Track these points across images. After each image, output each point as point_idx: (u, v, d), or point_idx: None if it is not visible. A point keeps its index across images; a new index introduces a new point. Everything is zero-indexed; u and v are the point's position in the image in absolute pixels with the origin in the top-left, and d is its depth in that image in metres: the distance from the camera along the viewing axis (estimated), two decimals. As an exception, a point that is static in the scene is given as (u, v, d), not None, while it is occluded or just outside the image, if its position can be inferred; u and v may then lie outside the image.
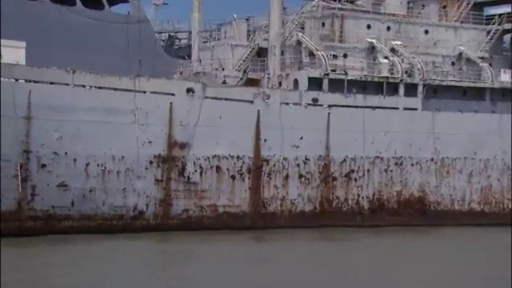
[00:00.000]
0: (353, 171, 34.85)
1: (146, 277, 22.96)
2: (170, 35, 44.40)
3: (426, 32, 39.45)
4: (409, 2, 40.76)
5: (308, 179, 33.98)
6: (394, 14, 39.12)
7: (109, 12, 36.75)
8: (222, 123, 31.93)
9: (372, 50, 37.46)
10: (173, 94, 31.23)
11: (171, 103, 31.05)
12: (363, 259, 26.76)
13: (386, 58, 36.86)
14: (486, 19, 41.56)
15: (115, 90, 30.16)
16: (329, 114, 34.21)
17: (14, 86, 28.23)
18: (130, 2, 35.79)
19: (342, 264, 25.63)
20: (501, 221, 36.63)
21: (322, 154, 34.20)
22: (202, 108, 31.58)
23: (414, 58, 37.24)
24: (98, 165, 29.77)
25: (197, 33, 39.56)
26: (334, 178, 34.49)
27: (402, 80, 36.35)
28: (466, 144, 36.76)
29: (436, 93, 37.45)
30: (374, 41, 37.47)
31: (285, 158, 33.42)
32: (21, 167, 28.52)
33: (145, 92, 30.69)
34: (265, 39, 36.68)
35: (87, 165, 29.63)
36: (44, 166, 28.94)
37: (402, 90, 36.29)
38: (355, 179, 34.90)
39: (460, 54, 39.46)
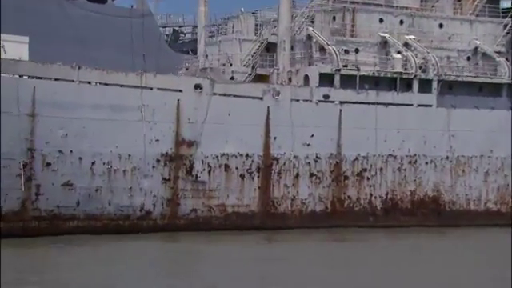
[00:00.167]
0: (365, 170, 35.36)
1: (157, 278, 23.44)
2: (174, 29, 44.88)
3: (441, 26, 39.90)
4: (422, -5, 41.42)
5: (319, 178, 34.50)
6: (407, 8, 39.55)
7: (111, 5, 37.31)
8: (230, 120, 32.48)
9: (384, 44, 37.92)
10: (180, 91, 31.77)
11: (179, 100, 31.60)
12: (376, 260, 27.18)
13: (399, 52, 37.34)
14: (503, 12, 41.91)
15: (121, 86, 30.68)
16: (340, 110, 34.73)
17: (17, 82, 28.76)
18: (133, -5, 36.28)
19: (355, 265, 26.07)
20: (518, 221, 37.18)
21: (333, 152, 34.73)
22: (211, 105, 32.12)
23: (428, 52, 37.72)
24: (103, 163, 30.33)
25: (203, 27, 40.06)
26: (346, 177, 35.01)
27: (415, 76, 36.86)
28: (482, 142, 37.22)
29: (451, 89, 37.89)
30: (387, 35, 37.93)
31: (295, 157, 33.97)
32: (25, 166, 29.09)
33: (151, 88, 31.24)
34: (273, 34, 37.13)
35: (93, 163, 30.20)
36: (49, 164, 29.50)
37: (415, 86, 36.78)
38: (368, 178, 35.42)
39: (476, 48, 39.89)
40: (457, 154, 36.96)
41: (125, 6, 38.35)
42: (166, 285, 22.66)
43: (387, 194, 35.80)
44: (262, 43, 36.93)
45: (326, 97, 34.68)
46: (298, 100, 34.08)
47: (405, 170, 36.11)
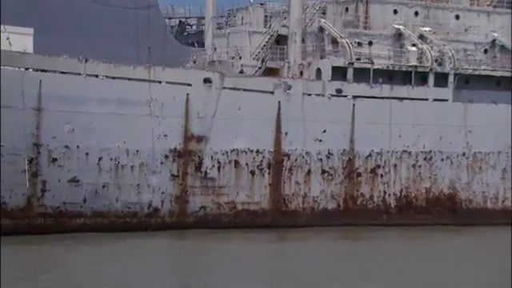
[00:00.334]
0: (379, 166, 35.91)
1: (168, 276, 24.01)
2: (180, 21, 45.39)
3: (457, 17, 40.40)
4: (438, -14, 41.83)
5: (331, 175, 35.08)
6: (422, -2, 40.21)
7: (116, -4, 37.91)
8: (240, 115, 33.06)
9: (399, 36, 38.43)
10: (189, 85, 32.34)
11: (188, 94, 32.18)
12: (389, 260, 27.60)
13: (414, 45, 37.83)
14: (521, 3, 42.48)
15: (129, 79, 31.27)
16: (353, 105, 35.27)
17: (23, 75, 29.35)
18: (138, -14, 36.74)
19: (367, 265, 26.50)
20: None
21: (346, 148, 35.28)
22: (220, 99, 32.69)
23: (444, 45, 38.22)
24: (111, 159, 30.94)
25: (210, 18, 40.52)
26: (359, 174, 35.58)
27: (431, 69, 37.36)
28: (500, 137, 37.73)
29: (468, 83, 38.39)
30: (401, 27, 38.42)
31: (307, 153, 34.53)
32: (30, 161, 29.73)
33: (160, 82, 31.82)
34: (283, 26, 37.62)
35: (100, 159, 30.81)
36: (55, 160, 30.13)
37: (431, 79, 37.29)
38: (381, 175, 35.98)
39: (493, 40, 40.37)
40: (473, 150, 37.48)
41: (130, -3, 38.93)
42: (178, 283, 23.22)
43: (401, 191, 36.35)
44: (272, 35, 37.38)
45: (339, 91, 35.23)
46: (309, 94, 34.65)
47: (420, 166, 36.66)
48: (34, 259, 26.00)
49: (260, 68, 36.65)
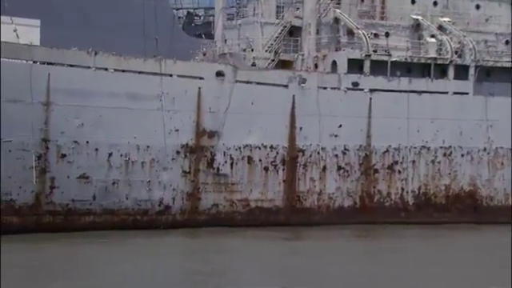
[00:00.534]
0: (396, 163, 36.64)
1: (182, 277, 24.78)
2: (188, 12, 46.28)
3: (477, 7, 40.95)
4: (457, -26, 42.46)
5: (347, 171, 35.83)
6: (441, -13, 40.83)
7: (123, -14, 38.79)
8: (254, 110, 33.79)
9: (417, 27, 39.05)
10: (201, 78, 33.10)
11: (200, 88, 32.96)
12: (407, 259, 28.26)
13: (432, 36, 38.45)
14: (545, -8, 43.05)
15: (139, 73, 32.05)
16: (370, 99, 35.98)
17: (31, 68, 30.15)
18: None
19: (383, 265, 27.11)
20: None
21: (362, 143, 36.02)
22: (233, 93, 33.45)
23: (464, 36, 38.84)
24: (121, 155, 31.73)
25: (220, 9, 41.23)
26: (376, 170, 36.32)
27: (451, 61, 38.02)
28: (523, 132, 38.41)
29: (489, 75, 39.01)
30: (420, 17, 39.02)
31: (322, 148, 35.27)
32: (39, 157, 30.56)
33: (171, 75, 32.58)
34: (296, 16, 38.31)
35: (110, 155, 31.61)
36: (64, 156, 30.96)
37: (451, 72, 37.95)
38: (399, 171, 36.70)
39: (515, 31, 41.14)
40: (495, 145, 38.10)
41: (137, -13, 39.74)
42: (192, 283, 23.98)
43: (420, 188, 37.08)
44: (285, 27, 38.02)
45: (355, 84, 35.95)
46: (325, 88, 35.38)
47: (439, 162, 37.36)
48: (43, 258, 26.85)
49: (273, 61, 37.36)
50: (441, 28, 39.26)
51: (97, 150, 31.41)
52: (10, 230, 29.75)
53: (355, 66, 36.61)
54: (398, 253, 29.84)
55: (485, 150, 38.14)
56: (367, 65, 36.64)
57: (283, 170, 34.67)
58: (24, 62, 30.16)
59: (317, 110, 34.96)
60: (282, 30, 37.93)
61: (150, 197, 32.37)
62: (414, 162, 36.94)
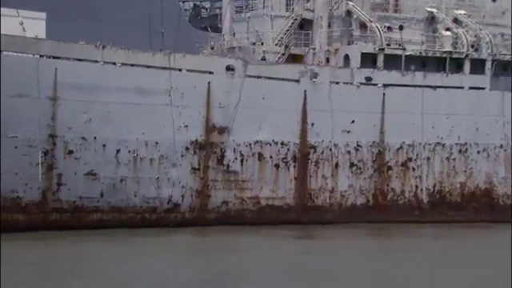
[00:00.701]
0: (410, 159, 37.40)
1: (193, 276, 25.52)
2: (195, 4, 46.99)
3: (494, -1, 41.90)
4: (473, -35, 43.12)
5: (360, 168, 36.61)
6: (456, -21, 41.49)
7: (128, -22, 39.56)
8: (264, 105, 34.55)
9: (432, 20, 39.74)
10: (211, 73, 33.89)
11: (209, 83, 33.75)
12: (421, 259, 28.71)
13: (448, 29, 39.16)
14: None
15: (148, 67, 32.84)
16: (384, 94, 36.73)
17: (38, 62, 30.93)
18: (150, -33, 38.22)
19: (399, 264, 27.68)
20: None
21: (375, 139, 36.78)
22: (243, 88, 34.24)
23: (480, 29, 39.55)
24: (129, 151, 32.54)
25: (228, 2, 41.95)
26: (390, 168, 37.10)
27: (467, 55, 38.77)
28: (541, 128, 39.04)
29: (506, 70, 39.66)
30: (434, 10, 39.72)
31: (334, 145, 36.04)
32: (46, 153, 31.38)
33: (180, 70, 33.36)
34: (307, 9, 38.98)
35: (118, 151, 32.42)
36: (71, 152, 31.77)
37: (467, 66, 38.70)
38: (413, 169, 37.47)
39: (533, 24, 41.81)
40: (512, 142, 38.89)
41: (142, -21, 40.51)
42: (205, 282, 24.75)
43: (434, 186, 37.85)
44: (296, 20, 38.71)
45: (369, 79, 36.70)
46: (337, 83, 36.14)
47: (454, 159, 38.12)
48: (52, 256, 27.63)
49: (283, 55, 38.10)
50: (456, 21, 39.99)
51: (104, 146, 32.22)
52: (17, 227, 30.59)
53: (368, 60, 37.36)
54: (411, 252, 30.44)
55: (501, 146, 38.84)
56: (381, 59, 37.39)
57: (294, 166, 35.46)
58: (31, 55, 30.91)
59: (329, 105, 35.73)
60: (292, 23, 38.62)
61: (159, 194, 33.20)
62: (428, 158, 37.70)
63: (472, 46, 39.04)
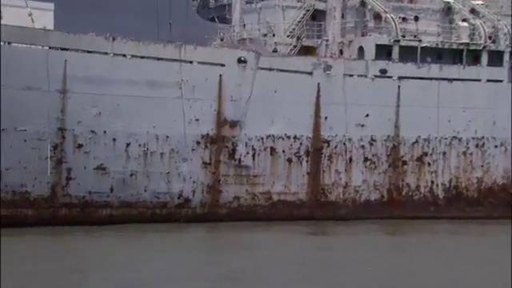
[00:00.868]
0: (426, 154, 38.32)
1: (207, 274, 26.45)
2: (203, -6, 47.78)
3: (512, -11, 42.62)
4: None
5: (374, 163, 37.54)
6: (473, -32, 42.33)
7: (135, -33, 40.52)
8: (277, 98, 35.49)
9: (448, 11, 40.56)
10: (222, 65, 34.81)
11: (221, 75, 34.71)
12: (435, 256, 29.40)
13: (464, 20, 40.00)
14: None
15: (158, 59, 33.78)
16: (399, 87, 37.64)
17: (47, 54, 31.88)
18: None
19: (411, 262, 28.36)
20: None
21: (390, 133, 37.69)
22: (256, 81, 35.20)
23: (498, 20, 40.31)
24: (139, 145, 33.53)
25: (238, -8, 42.87)
26: (405, 162, 38.01)
27: (484, 47, 39.60)
28: (561, 122, 39.80)
29: (524, 62, 40.63)
30: (451, 0, 40.45)
31: (348, 139, 36.95)
32: (55, 147, 32.39)
33: (191, 62, 34.31)
34: (320, -1, 40.00)
35: (128, 145, 33.41)
36: (80, 146, 32.75)
37: (484, 58, 39.53)
38: (428, 163, 38.38)
39: (552, 14, 42.59)
40: (531, 136, 39.64)
41: (149, -32, 41.42)
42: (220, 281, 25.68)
43: (451, 181, 38.77)
44: (308, 11, 39.56)
45: (383, 71, 37.56)
46: (351, 75, 37.02)
47: (471, 154, 39.00)
48: (62, 252, 28.59)
49: (295, 46, 38.99)
50: (473, 11, 40.80)
51: (114, 140, 33.19)
52: (25, 222, 31.63)
53: (383, 52, 38.25)
54: (427, 249, 31.24)
55: (519, 141, 39.79)
56: (396, 51, 38.30)
57: (307, 161, 36.41)
58: (40, 47, 31.87)
59: (343, 98, 36.64)
60: (304, 14, 39.47)
61: (169, 189, 34.17)
62: (444, 153, 38.61)
63: (489, 38, 39.81)
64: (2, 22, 31.44)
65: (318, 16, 39.81)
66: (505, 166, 39.58)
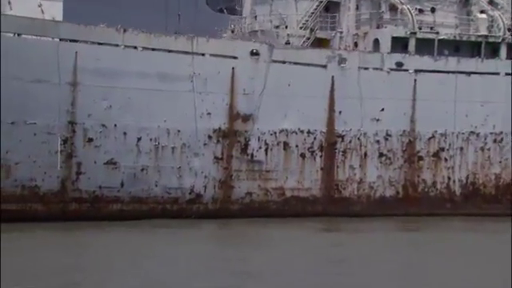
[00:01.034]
0: (442, 149, 39.33)
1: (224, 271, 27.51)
2: (213, -16, 48.80)
3: (532, -20, 43.55)
4: None
5: (390, 159, 38.55)
6: (492, -42, 43.22)
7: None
8: (290, 92, 36.54)
9: (466, 2, 41.47)
10: (235, 58, 35.86)
11: (233, 68, 35.79)
12: (451, 255, 30.06)
13: (483, 12, 40.97)
14: None
15: (169, 52, 34.84)
16: (415, 80, 38.62)
17: (58, 46, 32.95)
18: None
19: (425, 260, 28.90)
20: None
21: (406, 128, 38.70)
22: (269, 74, 36.25)
23: (517, 12, 41.42)
24: (150, 139, 34.60)
25: (249, -18, 43.82)
26: (421, 158, 39.01)
27: (503, 39, 40.56)
28: None
29: (544, 55, 41.48)
30: (469, -9, 41.51)
31: (363, 134, 38.00)
32: (65, 141, 33.50)
33: (203, 55, 35.38)
34: (333, -10, 40.94)
35: (139, 139, 34.49)
36: (91, 140, 33.85)
37: (503, 51, 40.49)
38: (445, 159, 39.40)
39: None
40: (550, 131, 40.53)
41: (157, -43, 42.46)
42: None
43: (468, 177, 39.76)
44: (322, 2, 40.26)
45: (399, 64, 38.52)
46: (366, 68, 37.98)
47: (489, 149, 39.96)
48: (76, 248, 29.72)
49: (308, 39, 39.88)
50: (492, 3, 41.67)
51: (125, 134, 34.27)
52: (35, 217, 32.75)
53: (399, 44, 39.25)
54: (443, 247, 31.94)
55: (539, 136, 40.73)
56: (412, 43, 39.30)
57: (321, 156, 37.45)
58: (50, 39, 32.96)
59: (357, 92, 37.68)
60: (317, 6, 40.27)
61: (181, 184, 35.25)
62: (461, 148, 39.62)
63: (509, 30, 40.76)
64: (12, 13, 32.56)
65: (331, 7, 40.66)
66: (524, 162, 40.66)
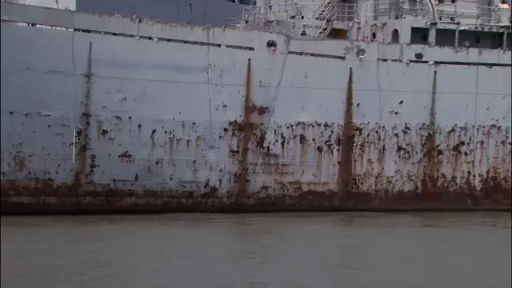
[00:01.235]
0: (463, 143, 40.67)
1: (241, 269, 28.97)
2: (225, -27, 50.37)
3: (555, -31, 44.92)
4: None
5: (408, 153, 39.92)
6: None
7: None
8: (307, 84, 37.96)
9: (487, -8, 42.93)
10: (251, 49, 37.33)
11: (249, 59, 37.26)
12: (472, 252, 31.25)
13: (504, 2, 42.13)
14: None
15: (185, 42, 36.34)
16: (435, 72, 39.94)
17: (73, 36, 34.47)
18: None
19: (445, 257, 29.96)
20: None
21: (425, 121, 40.04)
22: (286, 65, 37.73)
23: (540, 2, 42.84)
24: (165, 132, 36.11)
25: (263, -29, 45.23)
26: (440, 152, 40.37)
27: (526, 30, 41.79)
28: None
29: None
30: (490, -20, 42.82)
31: (381, 127, 39.41)
32: (79, 133, 35.08)
33: (219, 46, 36.87)
34: (351, -21, 42.27)
35: (153, 132, 36.00)
36: (105, 132, 35.38)
37: (526, 42, 41.76)
38: (465, 153, 40.75)
39: None
40: None
41: None
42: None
43: (488, 172, 41.10)
44: (339, -9, 42.05)
45: (419, 56, 39.83)
46: (385, 60, 39.31)
47: (510, 143, 41.19)
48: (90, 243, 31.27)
49: (325, 29, 41.20)
50: (514, -8, 43.24)
51: (140, 126, 35.77)
52: (48, 210, 34.35)
53: (418, 35, 40.54)
54: (462, 243, 33.28)
55: (562, 129, 42.02)
56: (432, 34, 40.61)
57: (338, 150, 38.87)
58: (64, 29, 34.51)
59: (376, 84, 39.06)
60: (334, -5, 41.62)
61: (196, 178, 36.73)
62: (482, 142, 40.96)
63: (531, 20, 42.14)
64: (26, 3, 34.15)
65: (348, -3, 42.02)
66: (546, 157, 41.90)
